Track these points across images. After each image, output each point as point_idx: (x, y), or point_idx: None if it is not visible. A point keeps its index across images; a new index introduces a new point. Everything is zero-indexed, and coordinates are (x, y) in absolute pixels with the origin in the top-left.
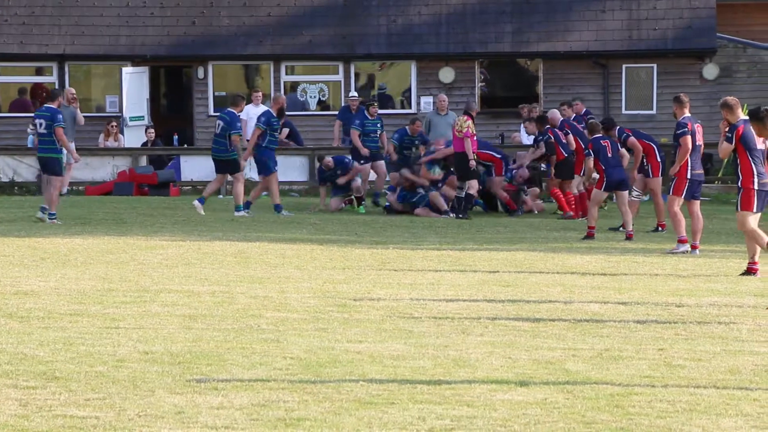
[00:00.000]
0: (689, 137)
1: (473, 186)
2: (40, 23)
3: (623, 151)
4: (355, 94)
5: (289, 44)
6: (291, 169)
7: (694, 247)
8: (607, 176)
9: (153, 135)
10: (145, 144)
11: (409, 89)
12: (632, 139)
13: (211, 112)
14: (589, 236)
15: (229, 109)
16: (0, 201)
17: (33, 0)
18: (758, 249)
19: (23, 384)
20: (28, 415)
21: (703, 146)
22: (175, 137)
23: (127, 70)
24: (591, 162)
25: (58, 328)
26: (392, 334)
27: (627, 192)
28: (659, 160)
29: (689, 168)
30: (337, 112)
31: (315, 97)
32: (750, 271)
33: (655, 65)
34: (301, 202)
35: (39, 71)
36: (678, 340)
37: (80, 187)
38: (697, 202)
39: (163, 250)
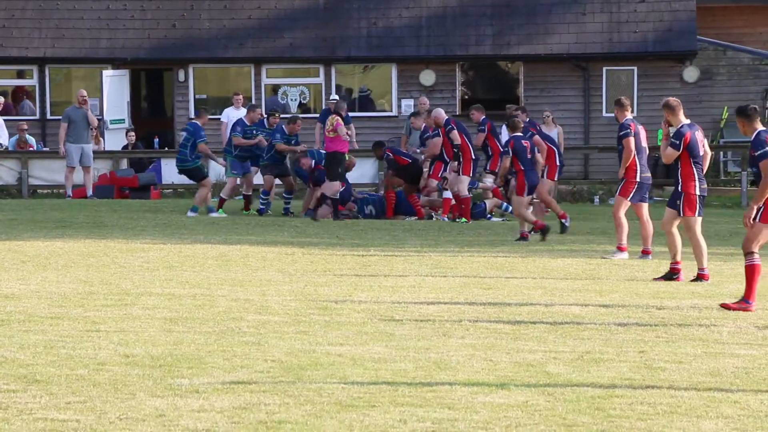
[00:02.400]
0: (632, 139)
1: (333, 188)
2: (21, 26)
3: (538, 155)
4: (336, 96)
5: (270, 47)
6: None
7: (646, 252)
8: (527, 179)
9: (133, 138)
10: (125, 147)
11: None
12: (537, 137)
13: (192, 115)
14: (523, 237)
15: (193, 121)
16: None
17: (13, 3)
18: (679, 250)
19: (3, 387)
20: (8, 418)
21: (647, 148)
22: (156, 140)
23: (108, 73)
24: (507, 161)
25: (38, 331)
26: (373, 337)
27: (531, 196)
28: (558, 164)
29: (638, 171)
30: (318, 115)
31: (296, 99)
32: (673, 271)
33: (635, 68)
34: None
35: (20, 74)
36: (659, 342)
37: (60, 191)
38: (646, 206)
39: (144, 253)
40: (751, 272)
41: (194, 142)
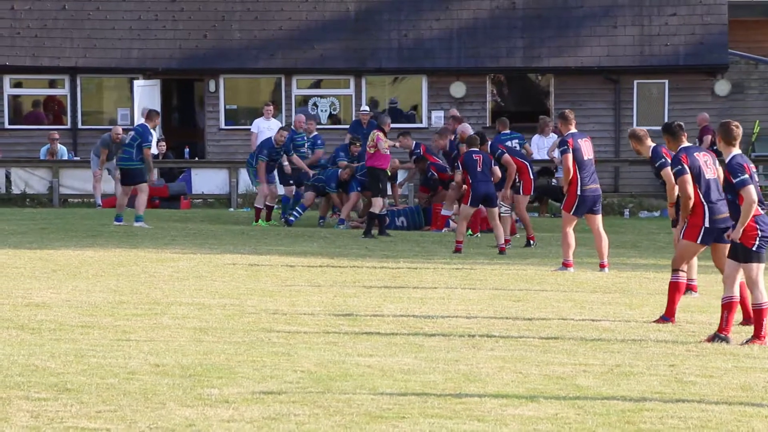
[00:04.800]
0: (570, 155)
1: (378, 204)
2: (53, 36)
3: (495, 168)
4: (366, 108)
5: (301, 58)
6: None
7: (602, 266)
8: (473, 190)
9: (164, 148)
10: (156, 157)
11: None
12: (506, 156)
13: (223, 125)
14: (457, 251)
15: (143, 122)
16: (12, 213)
17: (45, 13)
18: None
19: (35, 396)
20: (39, 426)
21: (594, 159)
22: (187, 150)
23: (139, 83)
24: (459, 175)
25: (69, 340)
26: (403, 348)
27: (496, 208)
28: (531, 177)
29: (579, 184)
30: (348, 126)
31: (326, 110)
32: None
33: (666, 81)
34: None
35: (52, 84)
36: (689, 356)
37: (91, 200)
38: (598, 218)
39: (174, 262)
40: (674, 289)
41: (140, 144)
